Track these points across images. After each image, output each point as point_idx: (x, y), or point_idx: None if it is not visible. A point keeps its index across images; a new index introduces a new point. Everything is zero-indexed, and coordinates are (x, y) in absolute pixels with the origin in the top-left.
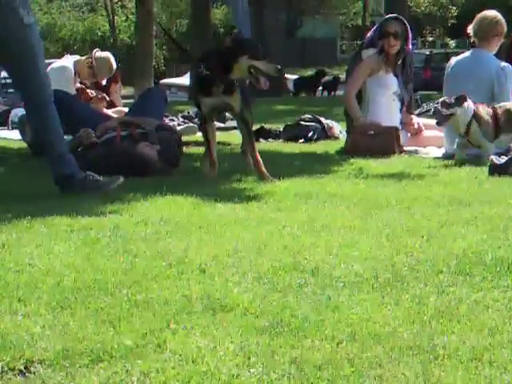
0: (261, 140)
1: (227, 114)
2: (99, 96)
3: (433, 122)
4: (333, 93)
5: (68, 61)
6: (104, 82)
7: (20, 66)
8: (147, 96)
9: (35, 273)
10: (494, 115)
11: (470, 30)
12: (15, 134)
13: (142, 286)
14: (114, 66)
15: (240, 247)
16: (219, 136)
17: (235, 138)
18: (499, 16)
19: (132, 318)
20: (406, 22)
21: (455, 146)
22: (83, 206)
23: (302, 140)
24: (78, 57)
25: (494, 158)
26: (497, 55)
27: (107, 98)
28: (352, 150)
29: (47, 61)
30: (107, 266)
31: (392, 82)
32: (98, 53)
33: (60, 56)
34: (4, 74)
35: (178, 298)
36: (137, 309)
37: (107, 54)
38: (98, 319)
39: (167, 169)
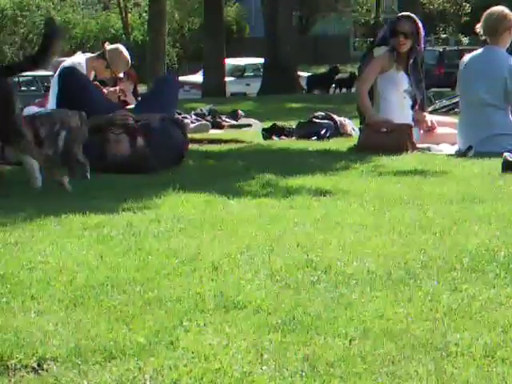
0: (273, 137)
1: (240, 110)
2: (111, 89)
3: (445, 119)
4: (349, 90)
5: (79, 58)
6: (121, 75)
7: None
8: (161, 84)
9: (48, 270)
10: None
11: (478, 28)
12: None
13: (155, 283)
14: (128, 57)
15: (253, 245)
16: (233, 134)
17: (248, 135)
18: (506, 10)
19: (145, 315)
20: (419, 21)
21: None
22: (96, 204)
23: (315, 137)
24: (89, 54)
25: (507, 154)
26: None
27: (117, 90)
28: (365, 147)
29: (59, 59)
30: (120, 263)
31: (403, 80)
32: (110, 46)
33: (72, 54)
34: None
35: (191, 296)
36: (149, 306)
37: (118, 45)
38: (110, 317)
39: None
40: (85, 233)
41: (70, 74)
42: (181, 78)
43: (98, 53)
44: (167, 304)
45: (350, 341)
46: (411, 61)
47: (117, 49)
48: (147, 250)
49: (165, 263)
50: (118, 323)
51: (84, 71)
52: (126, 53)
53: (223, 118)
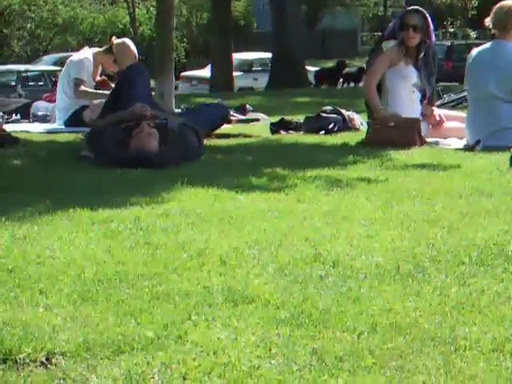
0: (281, 132)
1: (248, 105)
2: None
3: (454, 113)
4: (357, 84)
5: (87, 53)
6: None
7: None
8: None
9: (56, 265)
10: None
11: (487, 22)
12: (36, 127)
13: (163, 277)
14: (135, 50)
15: (261, 239)
16: (241, 128)
17: (256, 129)
18: None
19: (153, 309)
20: (427, 15)
21: None
22: (104, 198)
23: (323, 132)
24: (96, 49)
25: None
26: None
27: None
28: (373, 141)
29: (66, 54)
30: (128, 257)
31: (411, 74)
32: (117, 40)
33: (80, 49)
34: (25, 67)
35: (199, 290)
36: (158, 300)
37: (125, 40)
38: (119, 311)
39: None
40: (93, 227)
41: (140, 72)
42: (188, 73)
43: (106, 47)
44: (175, 298)
45: (359, 335)
46: (422, 55)
47: (124, 43)
48: (155, 245)
49: (173, 257)
50: (126, 317)
51: (91, 66)
52: (133, 47)
53: (231, 113)
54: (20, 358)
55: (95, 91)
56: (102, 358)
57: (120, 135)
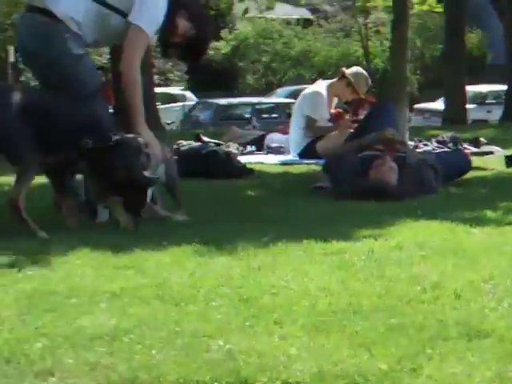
0: None
1: (482, 138)
2: (354, 118)
3: None
4: None
5: (320, 86)
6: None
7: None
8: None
9: (291, 295)
10: None
11: None
12: (270, 158)
13: (397, 310)
14: (368, 77)
15: (496, 273)
16: (475, 161)
17: (490, 162)
18: None
19: (387, 342)
20: None
21: None
22: (337, 230)
23: None
24: (330, 81)
25: None
26: None
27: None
28: None
29: (300, 86)
30: (362, 289)
31: None
32: (349, 69)
33: (313, 82)
34: (259, 99)
35: (433, 323)
36: (392, 333)
37: (358, 68)
38: (353, 342)
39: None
40: (326, 258)
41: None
42: (421, 105)
43: (338, 78)
44: (409, 331)
45: None
46: None
47: (357, 70)
48: (389, 277)
49: (407, 290)
50: (360, 349)
51: (324, 98)
52: (365, 73)
53: (464, 146)
54: None
55: (327, 126)
56: None
57: (359, 165)
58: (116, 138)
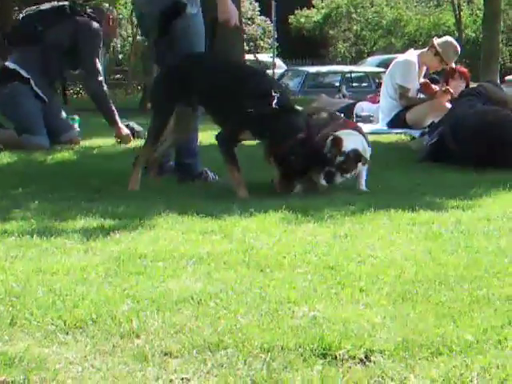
0: None
1: None
2: (443, 89)
3: None
4: None
5: (412, 55)
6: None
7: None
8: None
9: (377, 264)
10: None
11: None
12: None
13: (484, 281)
14: (458, 47)
15: None
16: None
17: None
18: None
19: (472, 313)
20: None
21: None
22: (425, 201)
23: None
24: (420, 50)
25: None
26: None
27: (451, 91)
28: None
29: (390, 55)
30: (448, 260)
31: None
32: (439, 39)
33: (404, 51)
34: (350, 68)
35: None
36: (477, 304)
37: (447, 37)
38: (438, 312)
39: None
40: (413, 228)
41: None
42: None
43: (428, 47)
44: (496, 303)
45: None
46: None
47: (446, 40)
48: (476, 248)
49: (494, 262)
50: (445, 319)
51: (416, 69)
52: (455, 42)
53: None
54: (339, 354)
55: (419, 98)
56: (420, 359)
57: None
58: None
